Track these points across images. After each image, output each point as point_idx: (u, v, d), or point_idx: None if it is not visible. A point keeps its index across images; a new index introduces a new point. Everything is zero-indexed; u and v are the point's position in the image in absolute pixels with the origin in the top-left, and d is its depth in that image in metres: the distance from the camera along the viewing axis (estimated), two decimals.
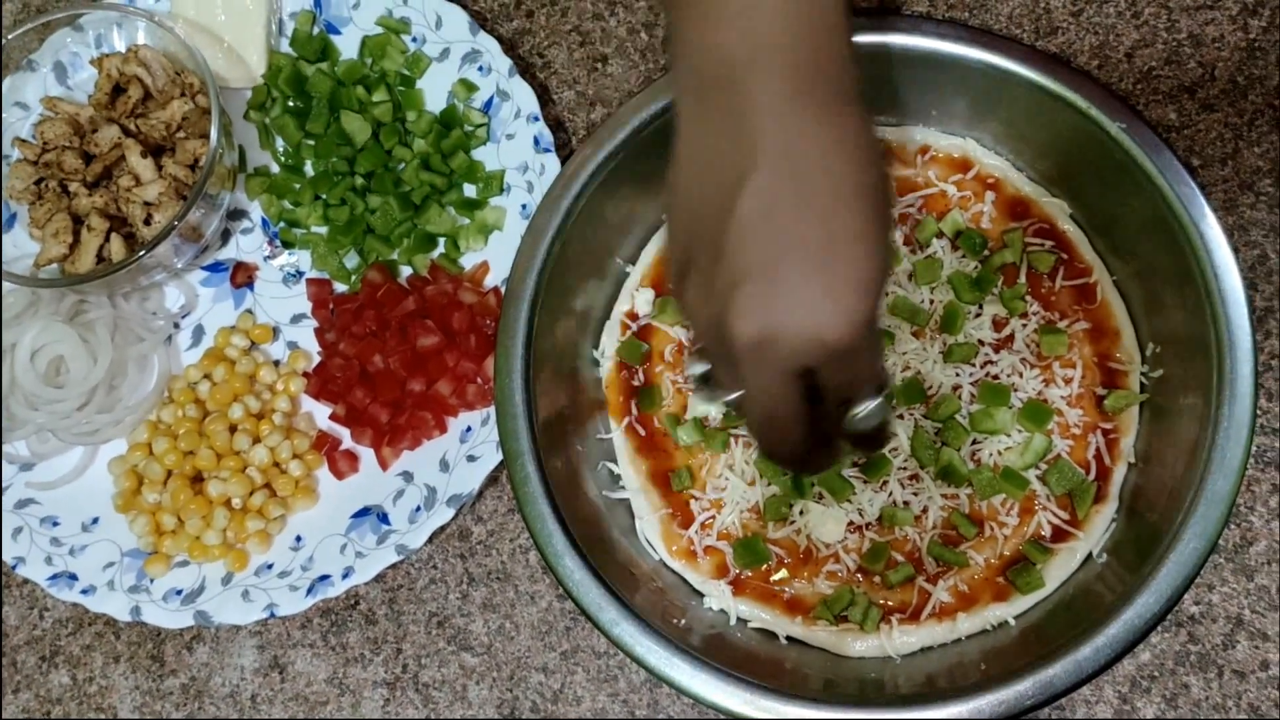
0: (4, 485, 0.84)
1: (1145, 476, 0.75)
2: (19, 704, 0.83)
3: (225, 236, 0.90)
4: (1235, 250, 0.72)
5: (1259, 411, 0.72)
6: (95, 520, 0.84)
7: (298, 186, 0.88)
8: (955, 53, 0.78)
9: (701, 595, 0.77)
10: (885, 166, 0.55)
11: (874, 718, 0.68)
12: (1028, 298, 0.78)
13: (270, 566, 0.81)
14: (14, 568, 0.82)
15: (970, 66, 0.78)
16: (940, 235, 0.80)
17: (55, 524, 0.84)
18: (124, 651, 0.83)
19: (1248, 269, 0.79)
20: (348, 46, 0.91)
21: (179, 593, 0.81)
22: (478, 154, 0.88)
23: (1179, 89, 0.83)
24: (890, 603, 0.75)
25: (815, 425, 0.58)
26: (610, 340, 0.82)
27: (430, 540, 0.80)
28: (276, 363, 0.87)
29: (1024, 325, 0.78)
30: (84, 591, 0.81)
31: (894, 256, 0.55)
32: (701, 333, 0.58)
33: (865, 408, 0.58)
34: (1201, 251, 0.72)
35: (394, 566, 0.80)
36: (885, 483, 0.76)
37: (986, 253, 0.79)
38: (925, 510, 0.75)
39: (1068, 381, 0.77)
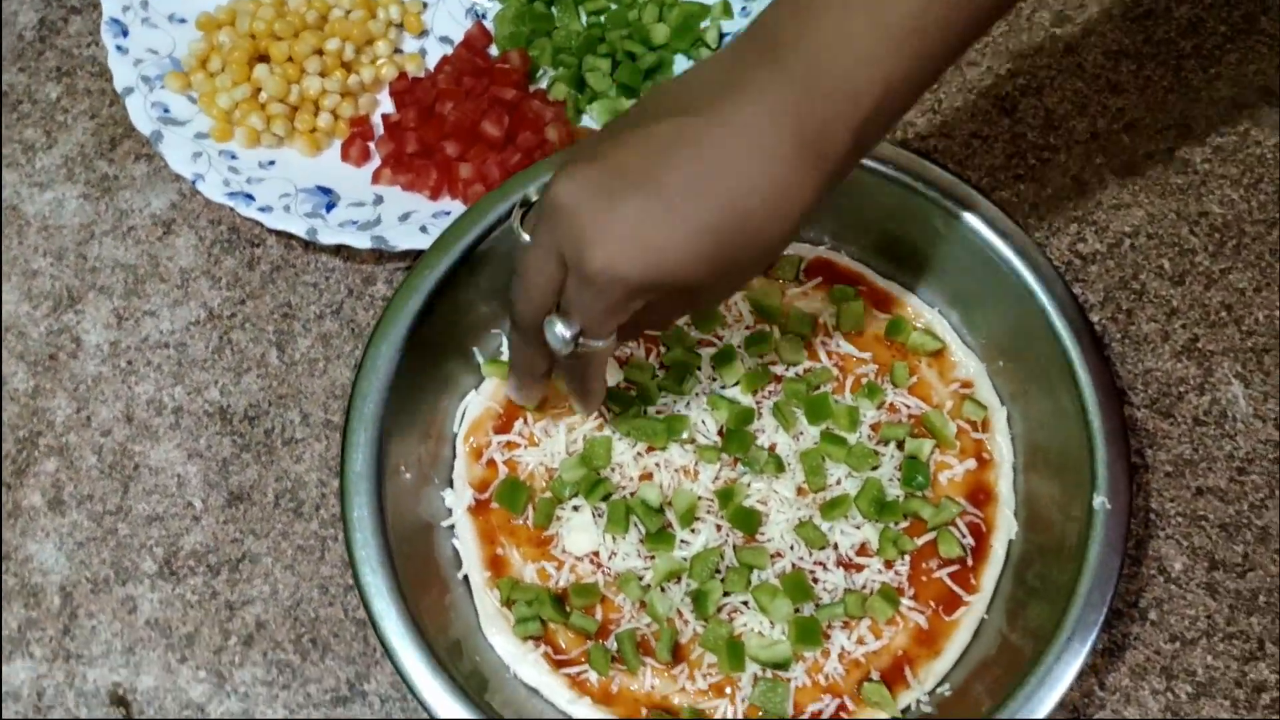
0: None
1: None
2: None
3: None
4: None
5: None
6: (271, 163, 0.86)
7: None
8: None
9: None
10: (779, 230, 0.57)
11: None
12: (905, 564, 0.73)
13: None
14: (194, 182, 0.83)
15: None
16: (898, 445, 0.76)
17: (234, 156, 0.86)
18: None
19: None
20: None
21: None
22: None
23: None
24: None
25: (542, 310, 0.61)
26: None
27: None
28: (398, 51, 0.91)
29: (880, 571, 0.73)
30: (262, 209, 0.82)
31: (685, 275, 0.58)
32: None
33: (556, 325, 0.60)
34: None
35: None
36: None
37: (922, 494, 0.74)
38: None
39: None
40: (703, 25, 0.89)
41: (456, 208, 0.83)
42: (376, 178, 0.85)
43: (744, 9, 0.89)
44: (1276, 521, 0.74)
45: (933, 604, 0.72)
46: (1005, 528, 0.74)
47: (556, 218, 0.57)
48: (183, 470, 0.80)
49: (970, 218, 0.75)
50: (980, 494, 0.75)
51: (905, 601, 0.72)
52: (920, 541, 0.73)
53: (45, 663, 0.75)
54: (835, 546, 0.73)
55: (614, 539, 0.74)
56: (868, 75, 0.56)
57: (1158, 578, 0.74)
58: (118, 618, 0.76)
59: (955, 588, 0.72)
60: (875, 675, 0.71)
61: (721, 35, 0.88)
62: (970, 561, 0.73)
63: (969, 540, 0.73)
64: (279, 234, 0.85)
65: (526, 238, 0.62)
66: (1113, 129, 0.86)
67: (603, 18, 0.90)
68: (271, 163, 0.86)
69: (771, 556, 0.73)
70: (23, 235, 0.87)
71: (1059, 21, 0.90)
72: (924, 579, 0.73)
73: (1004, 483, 0.75)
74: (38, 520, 0.79)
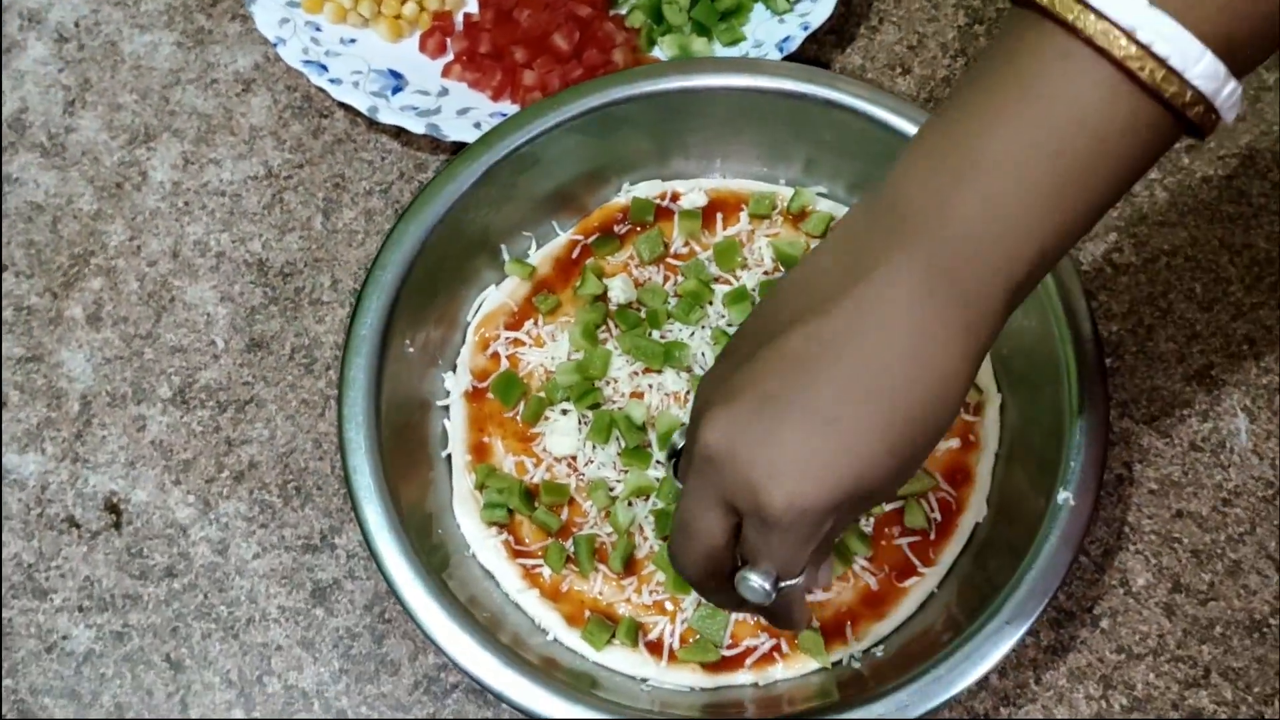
0: None
1: None
2: None
3: None
4: None
5: None
6: (353, 40, 0.90)
7: None
8: None
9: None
10: (948, 412, 0.52)
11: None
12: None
13: None
14: (275, 45, 0.87)
15: None
16: None
17: (318, 29, 0.90)
18: None
19: None
20: None
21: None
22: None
23: None
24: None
25: (721, 563, 0.56)
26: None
27: None
28: None
29: None
30: (333, 81, 0.86)
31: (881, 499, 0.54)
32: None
33: (751, 579, 0.55)
34: None
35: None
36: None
37: None
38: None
39: None
40: None
41: (512, 111, 0.85)
42: (447, 72, 0.88)
43: None
44: (1250, 558, 0.74)
45: (887, 569, 0.73)
46: (975, 510, 0.74)
47: (714, 468, 0.53)
48: (213, 310, 0.84)
49: None
50: (958, 473, 0.75)
51: (860, 561, 0.73)
52: (888, 507, 0.74)
53: (54, 460, 0.80)
54: None
55: (593, 447, 0.76)
56: (1020, 241, 0.50)
57: (1118, 589, 0.74)
58: (126, 433, 0.81)
59: (912, 557, 0.73)
60: (815, 625, 0.72)
61: None
62: (933, 536, 0.74)
63: (936, 515, 0.74)
64: (346, 109, 0.89)
65: (680, 484, 0.58)
66: (1175, 148, 0.85)
67: None
68: (353, 40, 0.89)
69: None
70: (115, 70, 0.92)
71: None
72: (883, 543, 0.74)
73: (983, 466, 0.76)
74: (74, 331, 0.84)
